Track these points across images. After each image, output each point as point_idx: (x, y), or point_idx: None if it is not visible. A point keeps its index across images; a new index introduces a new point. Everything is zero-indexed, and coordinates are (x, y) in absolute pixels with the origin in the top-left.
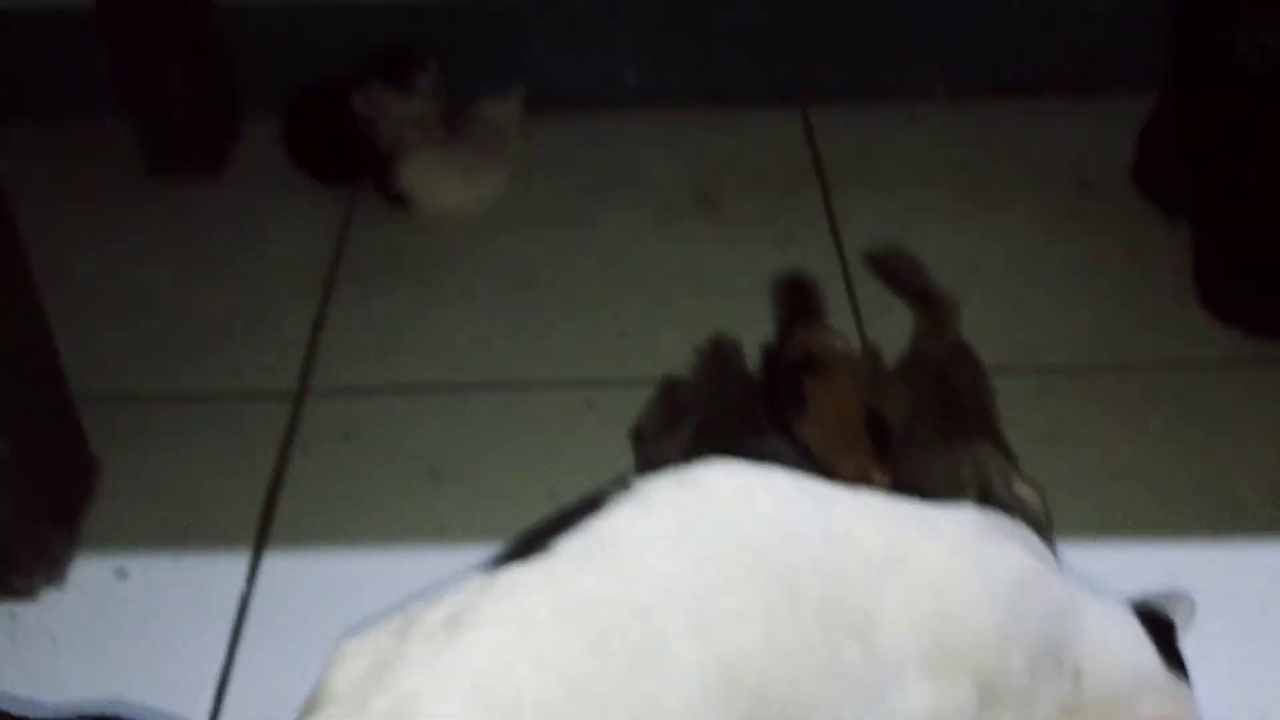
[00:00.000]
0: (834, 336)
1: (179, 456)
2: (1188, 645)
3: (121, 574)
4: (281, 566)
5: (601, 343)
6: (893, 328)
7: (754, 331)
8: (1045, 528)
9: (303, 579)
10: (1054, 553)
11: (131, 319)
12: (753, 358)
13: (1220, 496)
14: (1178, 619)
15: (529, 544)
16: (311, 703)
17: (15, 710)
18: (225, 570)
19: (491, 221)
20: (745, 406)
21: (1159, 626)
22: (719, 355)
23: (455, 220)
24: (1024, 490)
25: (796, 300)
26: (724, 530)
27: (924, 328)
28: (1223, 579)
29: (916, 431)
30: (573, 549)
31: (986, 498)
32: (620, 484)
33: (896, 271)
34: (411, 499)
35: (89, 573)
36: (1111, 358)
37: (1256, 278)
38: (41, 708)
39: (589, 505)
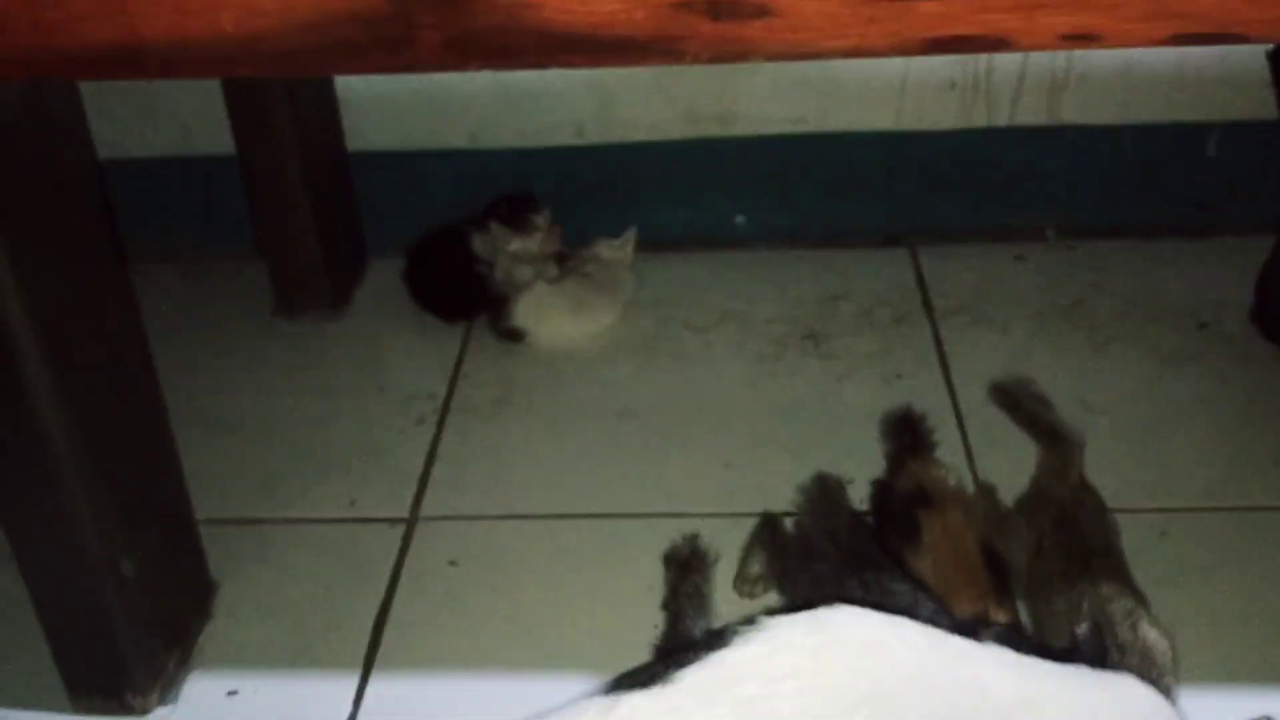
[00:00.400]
0: (946, 471)
1: (292, 580)
2: None
3: (232, 694)
4: (387, 690)
5: (706, 476)
6: (1006, 467)
7: (862, 467)
8: (1170, 671)
9: (407, 703)
10: (1176, 697)
11: (255, 448)
12: (862, 493)
13: None
14: None
15: (652, 669)
16: None
17: None
18: (332, 693)
19: (601, 356)
20: (853, 542)
21: None
22: (824, 492)
23: (566, 354)
24: (1150, 633)
25: (907, 434)
26: (855, 677)
27: (1047, 465)
28: None
29: (1039, 571)
30: (695, 681)
31: (1109, 636)
32: (748, 621)
33: (1023, 404)
34: (515, 627)
35: (201, 691)
36: (1233, 499)
37: None
38: None
39: (714, 637)
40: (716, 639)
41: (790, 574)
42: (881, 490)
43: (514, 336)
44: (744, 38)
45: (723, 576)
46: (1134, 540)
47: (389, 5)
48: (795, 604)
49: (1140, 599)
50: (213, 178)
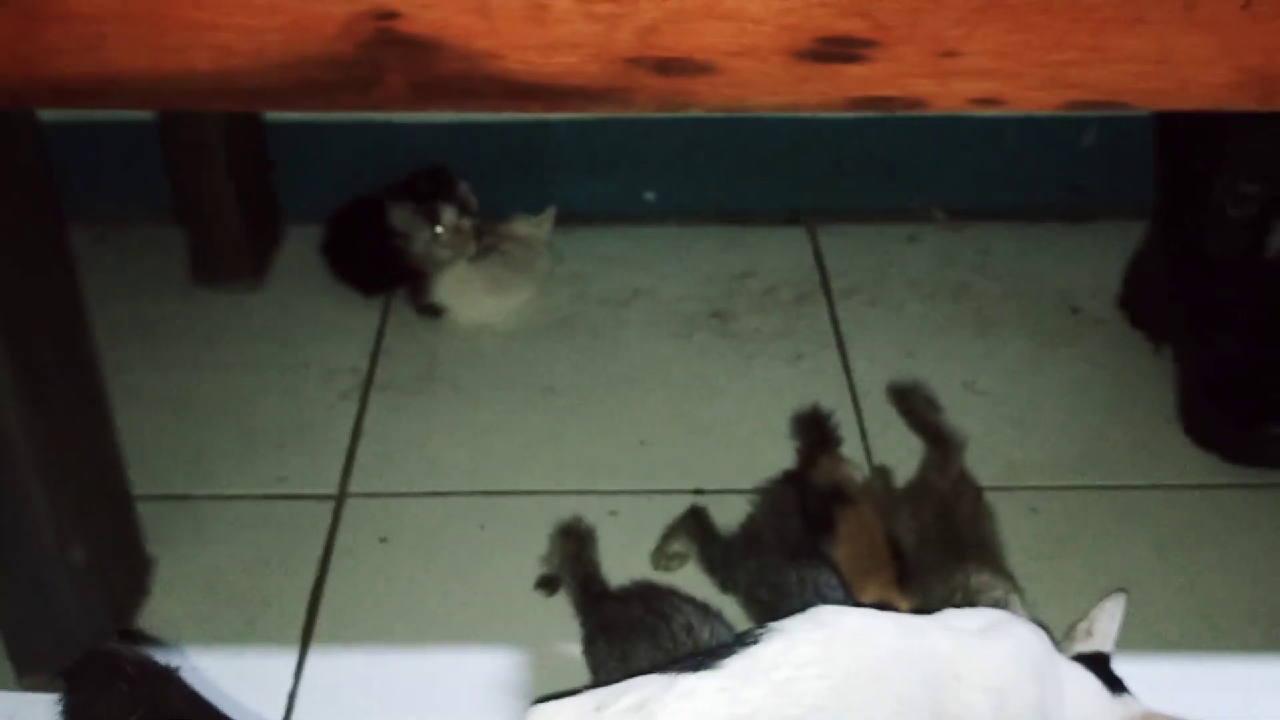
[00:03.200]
0: (853, 468)
1: (227, 557)
2: None
3: (174, 670)
4: (326, 664)
5: (624, 453)
6: (898, 446)
7: (769, 445)
8: None
9: (347, 677)
10: None
11: (182, 423)
12: (767, 470)
13: (1199, 613)
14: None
15: (696, 659)
16: None
17: None
18: (272, 668)
19: (520, 332)
20: (800, 541)
21: (1097, 661)
22: (784, 491)
23: (485, 330)
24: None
25: (816, 431)
26: (856, 661)
27: (932, 461)
28: (1199, 695)
29: (921, 560)
30: (739, 668)
31: None
32: (764, 628)
33: (915, 407)
34: (449, 602)
35: None
36: (1100, 479)
37: (1233, 410)
38: None
39: (740, 639)
40: (745, 639)
41: (729, 561)
42: (794, 483)
43: (433, 313)
44: (688, 91)
45: (633, 549)
46: (1006, 516)
47: (357, 51)
48: (743, 594)
49: (1013, 586)
50: (129, 142)
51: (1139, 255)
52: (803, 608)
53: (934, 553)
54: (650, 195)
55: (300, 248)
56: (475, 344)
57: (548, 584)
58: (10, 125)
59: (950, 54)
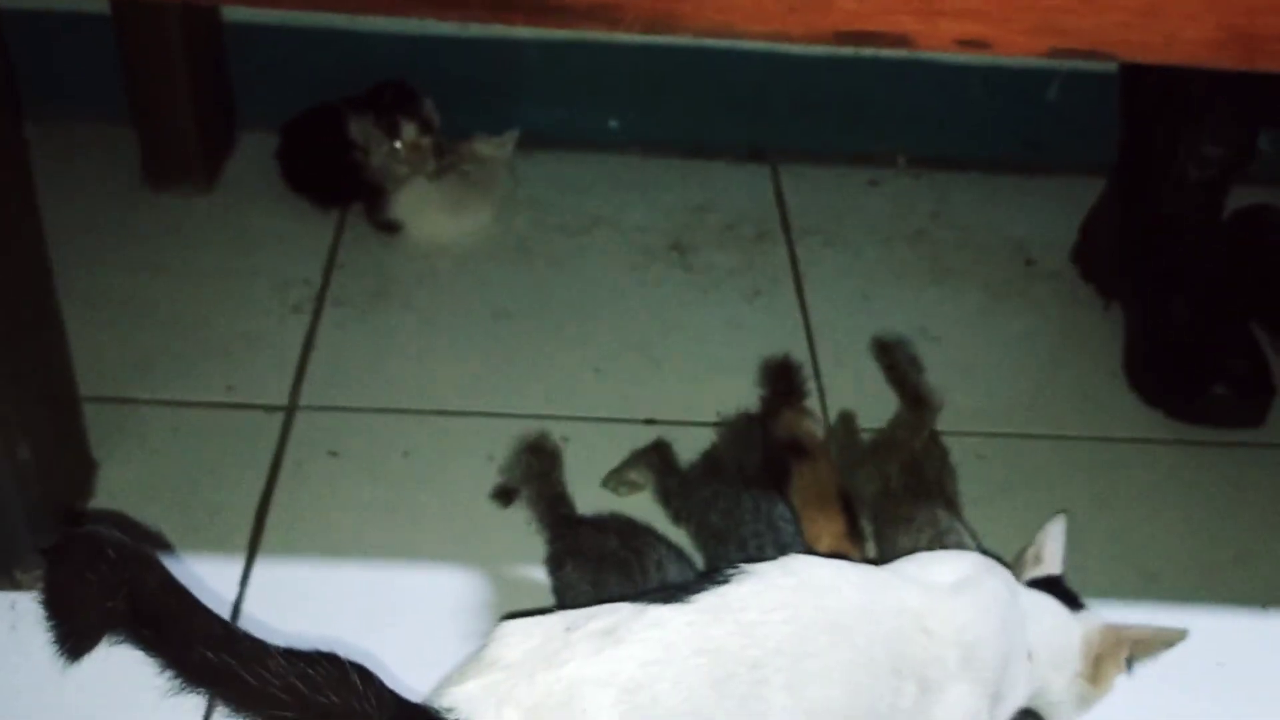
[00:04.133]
0: (815, 422)
1: (172, 463)
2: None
3: None
4: (271, 574)
5: (577, 380)
6: (846, 383)
7: (723, 379)
8: None
9: (292, 587)
10: None
11: (129, 327)
12: (719, 406)
13: (1135, 565)
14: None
15: (667, 592)
16: (473, 667)
17: None
18: (219, 574)
19: (476, 254)
20: (757, 474)
21: (1051, 583)
22: (747, 425)
23: (441, 250)
24: None
25: (783, 381)
26: (821, 611)
27: (906, 419)
28: None
29: (886, 511)
30: (708, 604)
31: None
32: (736, 569)
33: (897, 363)
34: (396, 517)
35: None
36: (1045, 429)
37: (1179, 369)
38: None
39: (712, 577)
40: (717, 577)
41: (687, 489)
42: (756, 425)
43: (390, 229)
44: (675, 13)
45: (583, 476)
46: (956, 461)
47: None
48: (695, 520)
49: (971, 534)
50: (82, 36)
51: (1094, 212)
52: (754, 535)
53: (899, 505)
54: (614, 123)
55: (254, 154)
56: (430, 263)
57: (504, 495)
58: None
59: None
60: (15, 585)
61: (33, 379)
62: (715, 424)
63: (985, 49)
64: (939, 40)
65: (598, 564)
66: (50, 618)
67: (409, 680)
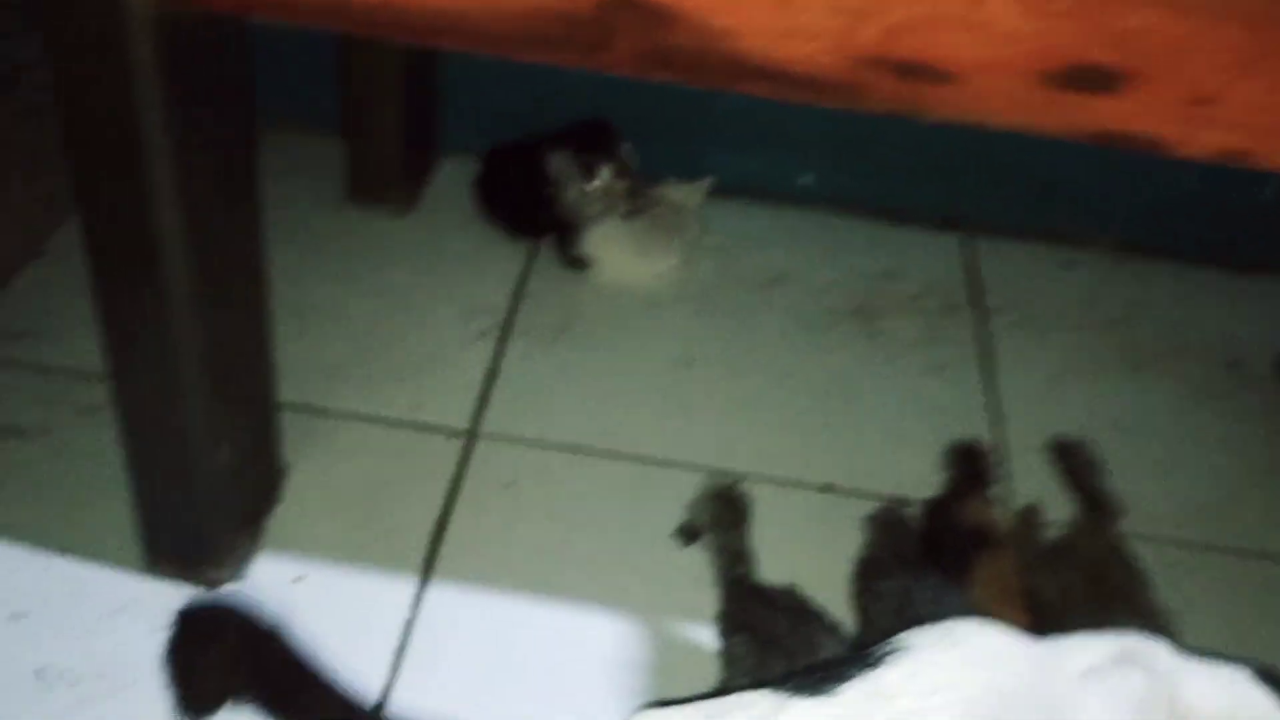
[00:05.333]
0: (1000, 513)
1: (356, 475)
2: None
3: (298, 580)
4: (444, 599)
5: (756, 437)
6: (1032, 470)
7: (901, 451)
8: None
9: (463, 616)
10: None
11: (323, 338)
12: (897, 478)
13: None
14: None
15: (812, 680)
16: None
17: None
18: (393, 592)
19: (661, 299)
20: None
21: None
22: (897, 520)
23: (627, 291)
24: None
25: (970, 466)
26: (987, 689)
27: (1084, 523)
28: None
29: (1068, 618)
30: (856, 696)
31: None
32: (888, 643)
33: (1077, 467)
34: (568, 556)
35: (268, 573)
36: (1244, 542)
37: None
38: None
39: (864, 658)
40: (869, 659)
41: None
42: (936, 516)
43: (580, 264)
44: (923, 98)
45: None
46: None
47: (594, 11)
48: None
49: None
50: (301, 46)
51: None
52: None
53: (1081, 613)
54: (808, 179)
55: (454, 179)
56: (616, 304)
57: (689, 534)
58: (222, 32)
59: (1205, 101)
60: (202, 581)
61: (238, 382)
62: (879, 497)
63: (1245, 160)
64: (1198, 149)
65: (764, 646)
66: (172, 683)
67: None
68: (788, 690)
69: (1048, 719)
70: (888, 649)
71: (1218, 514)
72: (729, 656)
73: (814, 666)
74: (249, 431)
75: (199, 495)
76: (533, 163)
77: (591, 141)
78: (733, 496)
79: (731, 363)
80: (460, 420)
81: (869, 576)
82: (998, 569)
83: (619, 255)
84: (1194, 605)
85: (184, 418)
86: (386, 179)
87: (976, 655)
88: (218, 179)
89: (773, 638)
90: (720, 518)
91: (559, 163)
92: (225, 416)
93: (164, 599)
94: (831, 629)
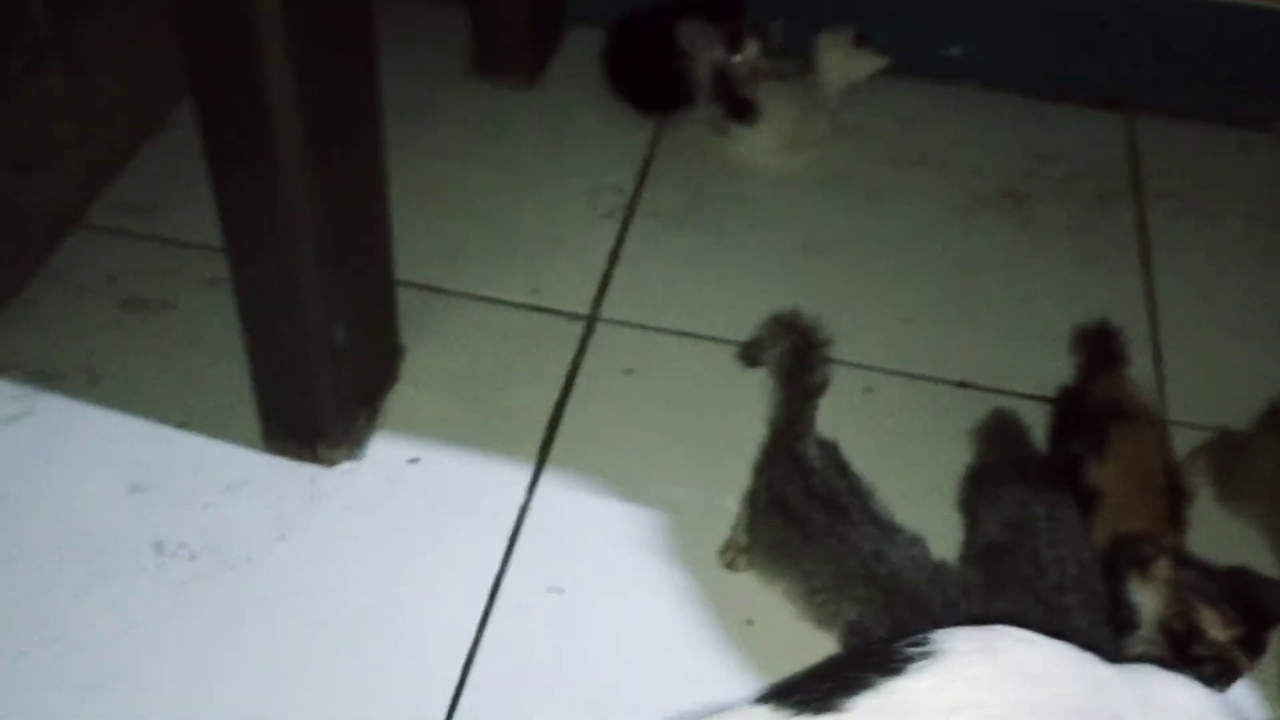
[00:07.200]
0: (1138, 389)
1: (474, 357)
2: None
3: (413, 461)
4: (558, 484)
5: (886, 328)
6: (1193, 368)
7: (1047, 347)
8: None
9: (576, 502)
10: None
11: (443, 216)
12: (1040, 377)
13: None
14: None
15: (823, 691)
16: None
17: None
18: (507, 478)
19: (792, 180)
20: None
21: None
22: (1012, 429)
23: (757, 171)
24: None
25: (1101, 349)
26: (1022, 711)
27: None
28: None
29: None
30: (866, 711)
31: None
32: (917, 643)
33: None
34: (684, 447)
35: (384, 453)
36: None
37: None
38: None
39: (884, 659)
40: (889, 664)
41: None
42: (1069, 398)
43: (744, 112)
44: None
45: (887, 431)
46: None
47: None
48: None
49: None
50: None
51: None
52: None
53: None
54: (956, 50)
55: (581, 51)
56: (745, 185)
57: (749, 357)
58: None
59: None
60: (319, 460)
61: (354, 260)
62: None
63: None
64: None
65: (795, 528)
66: None
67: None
68: (792, 707)
69: None
70: (915, 650)
71: None
72: (753, 521)
73: (826, 672)
74: (366, 309)
75: (316, 373)
76: (663, 33)
77: (723, 10)
78: (810, 332)
79: (863, 248)
80: (581, 304)
81: (983, 482)
82: (1136, 443)
83: (786, 113)
84: None
85: (300, 293)
86: (511, 51)
87: (1016, 671)
88: (331, 46)
89: (806, 525)
90: (787, 367)
91: (692, 33)
92: (342, 293)
93: (280, 476)
94: (876, 521)
